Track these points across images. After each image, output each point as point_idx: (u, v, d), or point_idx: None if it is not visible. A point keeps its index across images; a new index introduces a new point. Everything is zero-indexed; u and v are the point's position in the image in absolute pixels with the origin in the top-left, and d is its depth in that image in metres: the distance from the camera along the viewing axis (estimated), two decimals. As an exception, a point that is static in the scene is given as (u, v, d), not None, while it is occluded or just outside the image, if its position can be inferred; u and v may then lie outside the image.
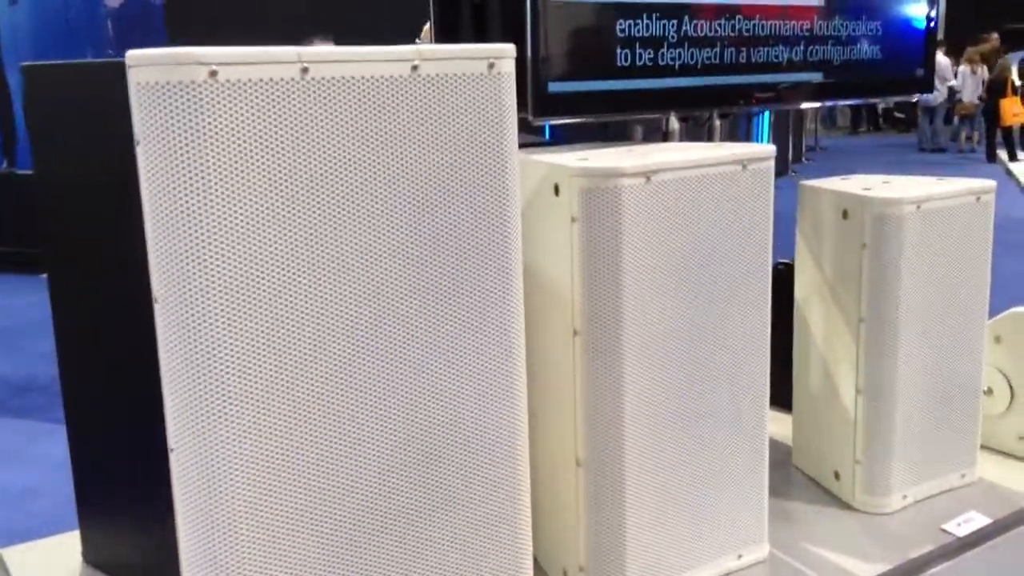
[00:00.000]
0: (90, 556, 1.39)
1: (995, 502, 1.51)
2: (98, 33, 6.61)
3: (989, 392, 1.66)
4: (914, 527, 1.46)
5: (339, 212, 0.90)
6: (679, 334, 1.22)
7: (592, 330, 1.17)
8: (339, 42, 0.93)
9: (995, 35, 16.96)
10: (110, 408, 1.27)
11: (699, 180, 1.21)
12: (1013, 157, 14.93)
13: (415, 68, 0.93)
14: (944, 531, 1.43)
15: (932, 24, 1.85)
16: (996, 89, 14.80)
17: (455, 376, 1.01)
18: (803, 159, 11.67)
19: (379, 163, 0.92)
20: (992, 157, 14.99)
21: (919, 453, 1.51)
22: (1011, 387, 1.66)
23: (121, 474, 1.29)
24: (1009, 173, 13.20)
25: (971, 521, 1.46)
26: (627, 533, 1.21)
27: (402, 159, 0.94)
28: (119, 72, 0.90)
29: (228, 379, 0.85)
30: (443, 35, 1.36)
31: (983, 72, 15.90)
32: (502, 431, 1.06)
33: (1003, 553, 1.45)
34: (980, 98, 15.97)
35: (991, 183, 1.49)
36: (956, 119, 17.08)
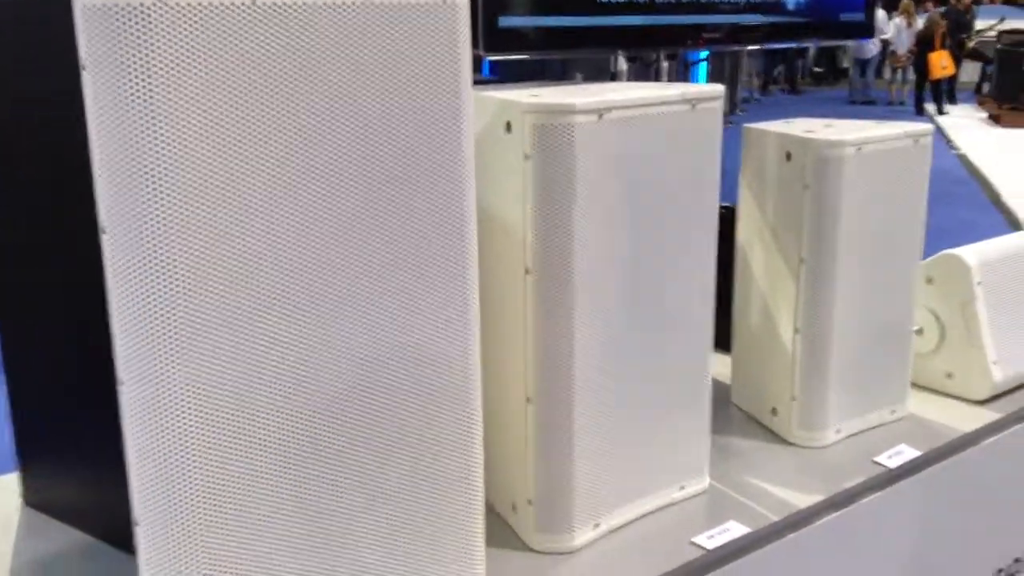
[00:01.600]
0: (31, 498, 1.37)
1: (924, 436, 1.58)
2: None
3: (920, 331, 1.72)
4: (848, 459, 1.52)
5: (290, 144, 0.89)
6: (628, 272, 1.24)
7: (544, 268, 1.18)
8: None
9: None
10: (50, 345, 1.24)
11: (650, 118, 1.21)
12: (940, 110, 15.29)
13: (368, -3, 0.91)
14: (876, 463, 1.49)
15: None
16: (925, 43, 15.08)
17: (409, 314, 1.01)
18: (738, 110, 11.79)
19: (331, 93, 0.91)
20: (920, 110, 15.32)
21: (853, 389, 1.56)
22: (941, 327, 1.72)
23: (64, 412, 1.27)
24: (936, 125, 13.54)
25: (901, 453, 1.52)
26: (575, 467, 1.24)
27: (355, 90, 0.92)
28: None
29: (178, 308, 0.84)
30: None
31: (918, 24, 16.14)
32: (456, 371, 1.07)
33: (931, 483, 1.52)
34: (910, 51, 16.25)
35: (929, 127, 1.53)
36: (889, 70, 17.37)
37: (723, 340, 1.66)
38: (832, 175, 1.43)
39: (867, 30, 1.93)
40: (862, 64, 16.70)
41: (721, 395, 1.70)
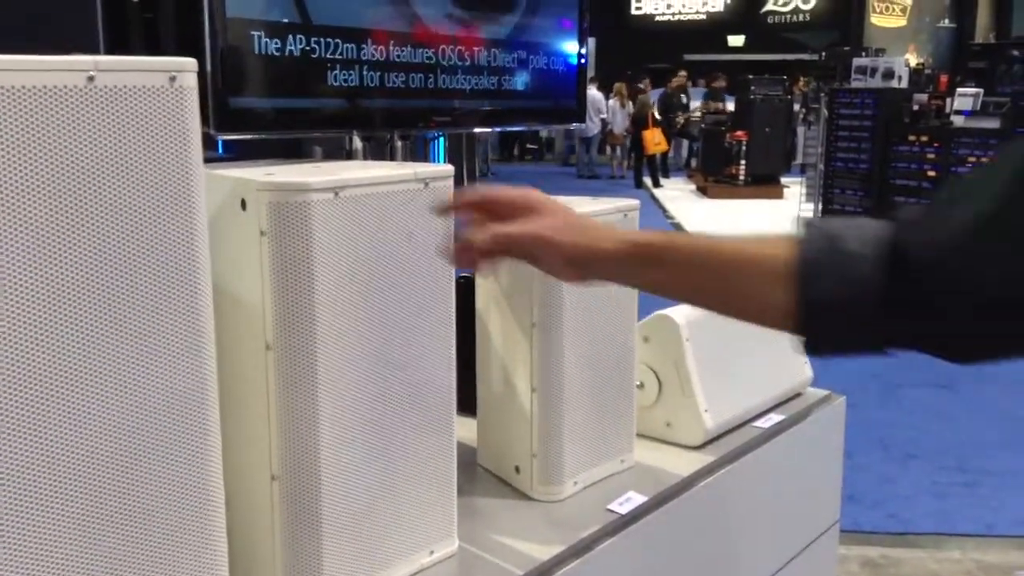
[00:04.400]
0: None
1: (650, 482, 1.72)
2: None
3: (641, 386, 1.88)
4: (584, 510, 1.62)
5: (11, 231, 0.85)
6: (370, 344, 1.27)
7: (285, 343, 1.19)
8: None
9: (682, 73, 18.89)
10: None
11: (384, 196, 1.27)
12: (656, 183, 16.76)
13: (91, 79, 0.91)
14: (609, 511, 1.61)
15: (583, 61, 2.07)
16: (639, 122, 16.55)
17: (143, 391, 0.99)
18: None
19: (52, 180, 0.88)
20: (639, 183, 16.72)
21: (585, 443, 1.68)
22: (659, 381, 1.89)
23: None
24: (653, 197, 14.81)
25: (631, 499, 1.65)
26: (323, 542, 1.24)
27: (78, 175, 0.90)
28: None
29: None
30: (114, 50, 1.31)
31: (630, 106, 17.67)
32: (193, 451, 1.05)
33: (658, 525, 1.65)
34: (627, 130, 17.74)
35: (635, 202, 1.70)
36: (608, 148, 18.82)
37: (469, 404, 1.73)
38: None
39: (579, 116, 2.13)
40: (586, 142, 18.00)
41: (467, 457, 1.76)
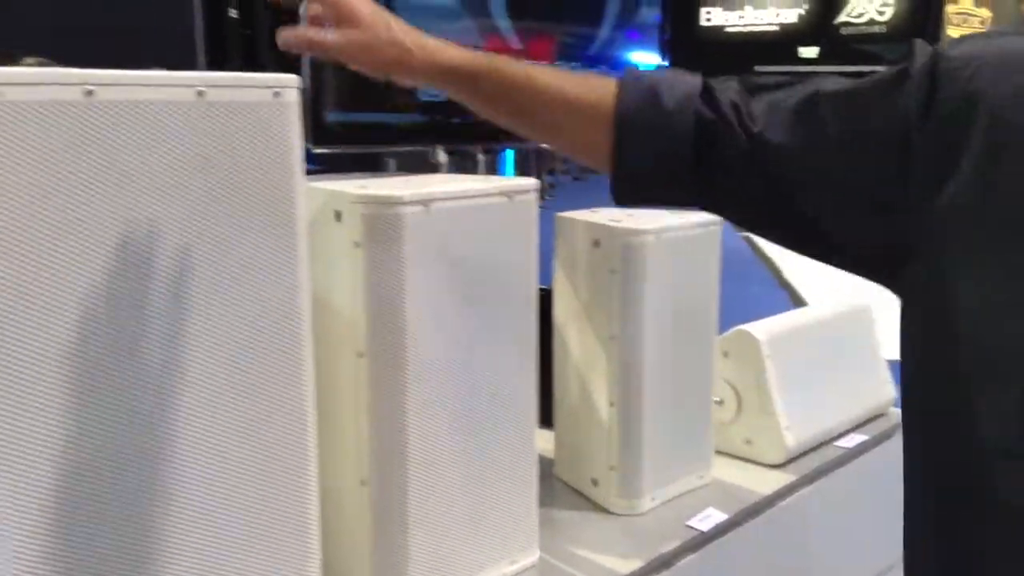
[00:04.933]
0: None
1: (729, 499, 1.71)
2: None
3: (720, 402, 1.87)
4: (663, 525, 1.61)
5: (126, 238, 0.89)
6: (457, 354, 1.29)
7: (377, 351, 1.21)
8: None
9: None
10: None
11: (471, 209, 1.29)
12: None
13: (201, 94, 0.94)
14: (689, 527, 1.60)
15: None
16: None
17: (244, 397, 1.02)
18: (545, 196, 12.29)
19: (168, 186, 0.92)
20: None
21: (664, 458, 1.67)
22: (738, 397, 1.88)
23: None
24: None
25: (710, 517, 1.64)
26: (410, 547, 1.26)
27: (190, 182, 0.94)
28: None
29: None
30: (213, 65, 1.36)
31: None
32: (293, 454, 1.08)
33: (738, 544, 1.64)
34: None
35: (717, 217, 1.69)
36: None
37: (545, 415, 1.74)
38: (637, 259, 1.56)
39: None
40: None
41: (544, 468, 1.77)
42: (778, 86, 0.92)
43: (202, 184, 0.95)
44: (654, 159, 0.94)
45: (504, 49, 1.71)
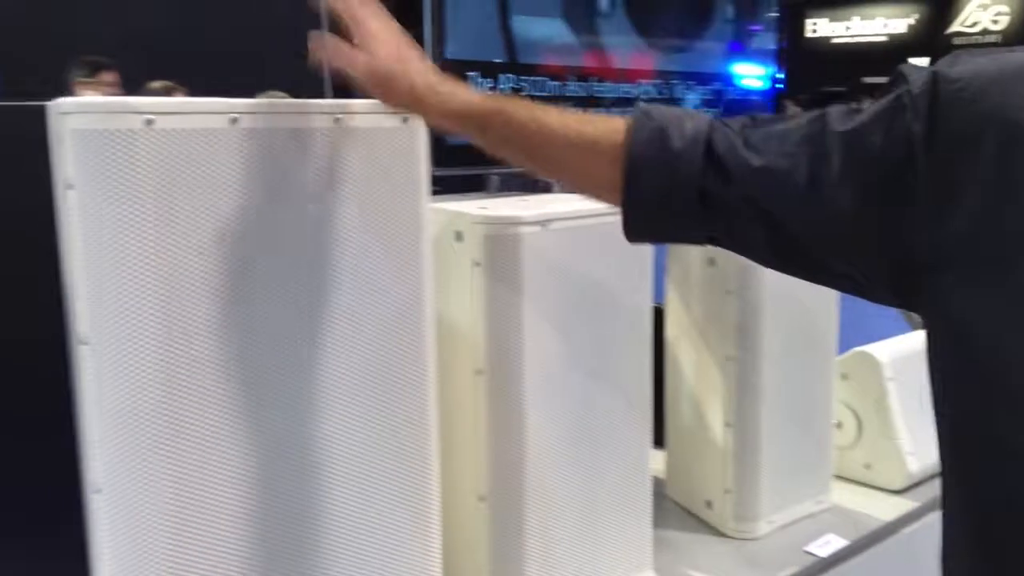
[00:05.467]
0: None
1: (849, 525, 1.66)
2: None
3: (839, 425, 1.82)
4: (780, 550, 1.58)
5: (267, 257, 0.94)
6: (573, 372, 1.30)
7: (495, 369, 1.23)
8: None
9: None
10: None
11: (587, 228, 1.30)
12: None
13: (337, 120, 0.99)
14: (807, 552, 1.56)
15: (779, 86, 2.03)
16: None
17: (370, 411, 1.05)
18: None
19: (304, 208, 0.97)
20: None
21: (782, 481, 1.64)
22: (858, 420, 1.83)
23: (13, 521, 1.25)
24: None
25: (830, 543, 1.60)
26: (527, 563, 1.27)
27: (325, 204, 0.98)
28: (35, 116, 0.92)
29: (156, 418, 0.86)
30: (339, 90, 1.41)
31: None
32: (415, 470, 1.10)
33: (860, 571, 1.59)
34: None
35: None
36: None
37: (656, 435, 1.73)
38: (754, 280, 1.54)
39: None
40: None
41: (657, 488, 1.76)
42: (781, 120, 0.92)
43: (336, 206, 0.99)
44: (661, 196, 0.95)
45: (604, 66, 1.71)
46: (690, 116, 0.96)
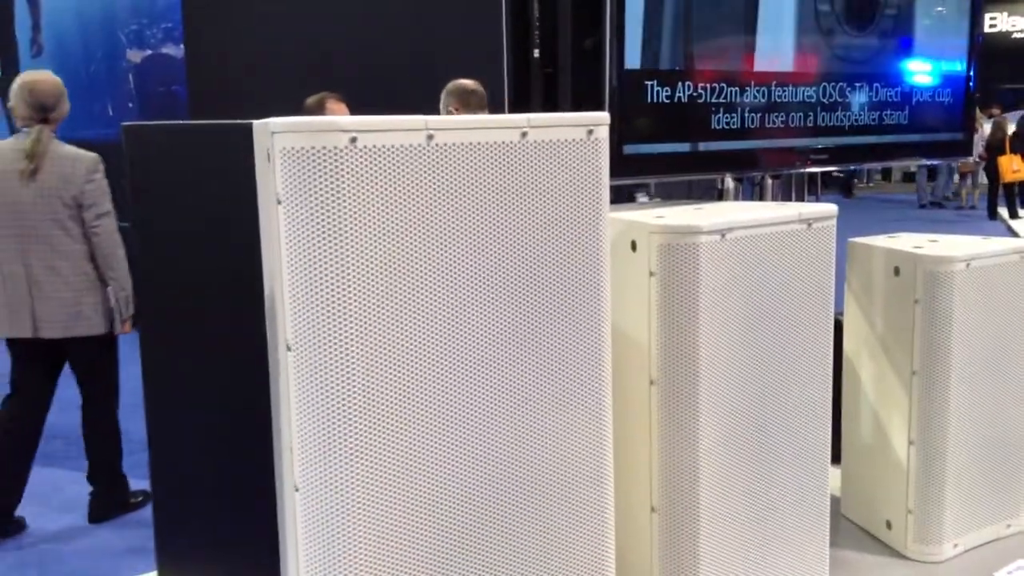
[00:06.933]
0: (167, 598, 1.42)
1: (1044, 552, 1.55)
2: (119, 86, 6.72)
3: (1032, 444, 1.71)
4: (966, 575, 1.50)
5: (459, 268, 0.97)
6: (749, 384, 1.27)
7: (669, 379, 1.23)
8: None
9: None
10: (202, 458, 1.31)
11: (768, 237, 1.27)
12: (1014, 214, 15.06)
13: (524, 135, 1.00)
14: (997, 580, 1.47)
15: (972, 88, 1.93)
16: (995, 148, 14.98)
17: (550, 419, 1.07)
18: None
19: (493, 220, 0.99)
20: (993, 214, 15.11)
21: (969, 503, 1.55)
22: (1053, 440, 1.70)
23: (200, 519, 1.33)
24: (1010, 230, 13.33)
25: (1021, 570, 1.50)
26: (701, 577, 1.26)
27: (513, 216, 1.00)
28: (243, 135, 0.98)
29: (358, 420, 0.91)
30: (518, 102, 1.44)
31: (984, 130, 16.03)
32: (590, 478, 1.11)
33: (1056, 602, 1.48)
34: (980, 156, 16.13)
35: (1034, 243, 1.56)
36: (957, 176, 17.22)
37: (831, 451, 1.67)
38: (944, 289, 1.46)
39: (966, 148, 1.99)
40: (930, 169, 16.59)
41: (832, 506, 1.70)
42: None
43: (523, 215, 1.01)
44: None
45: (815, 76, 1.66)
46: None
